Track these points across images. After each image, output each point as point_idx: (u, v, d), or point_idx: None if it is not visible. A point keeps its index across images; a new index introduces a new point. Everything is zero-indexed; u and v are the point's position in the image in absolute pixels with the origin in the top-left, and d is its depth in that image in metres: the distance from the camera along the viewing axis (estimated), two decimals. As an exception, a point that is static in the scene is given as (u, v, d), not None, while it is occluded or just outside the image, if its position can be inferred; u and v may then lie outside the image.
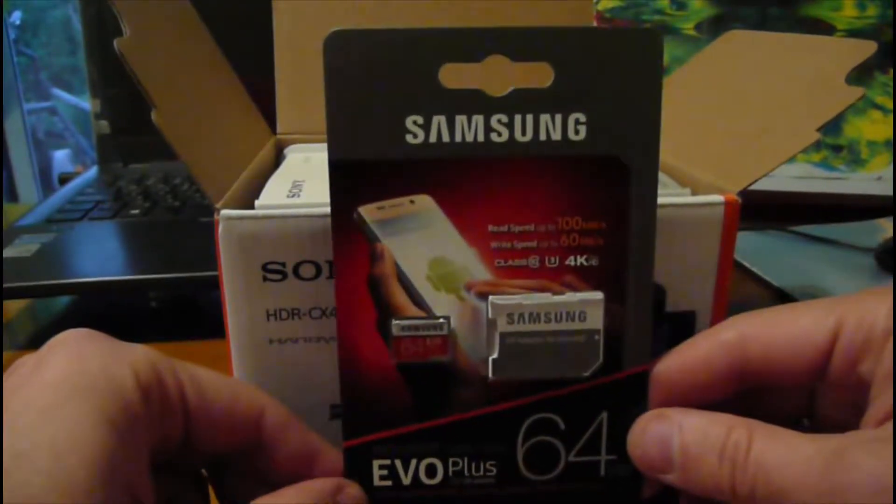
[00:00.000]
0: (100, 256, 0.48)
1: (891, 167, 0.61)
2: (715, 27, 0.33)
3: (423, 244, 0.23)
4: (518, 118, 0.22)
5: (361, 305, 0.23)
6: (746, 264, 0.52)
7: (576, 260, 0.23)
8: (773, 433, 0.20)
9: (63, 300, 0.49)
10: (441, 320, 0.23)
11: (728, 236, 0.26)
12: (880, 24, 0.61)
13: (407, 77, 0.22)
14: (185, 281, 0.43)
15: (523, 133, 0.22)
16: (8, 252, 0.47)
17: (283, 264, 0.25)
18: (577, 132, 0.22)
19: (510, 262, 0.23)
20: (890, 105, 0.61)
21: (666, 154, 0.31)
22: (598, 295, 0.23)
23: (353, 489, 0.23)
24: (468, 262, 0.23)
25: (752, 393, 0.23)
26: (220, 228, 0.24)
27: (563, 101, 0.22)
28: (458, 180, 0.23)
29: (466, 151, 0.22)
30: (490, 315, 0.23)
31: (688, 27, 0.65)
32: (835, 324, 0.21)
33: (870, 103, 0.62)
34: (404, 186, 0.22)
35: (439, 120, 0.22)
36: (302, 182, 0.29)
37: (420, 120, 0.22)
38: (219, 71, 0.34)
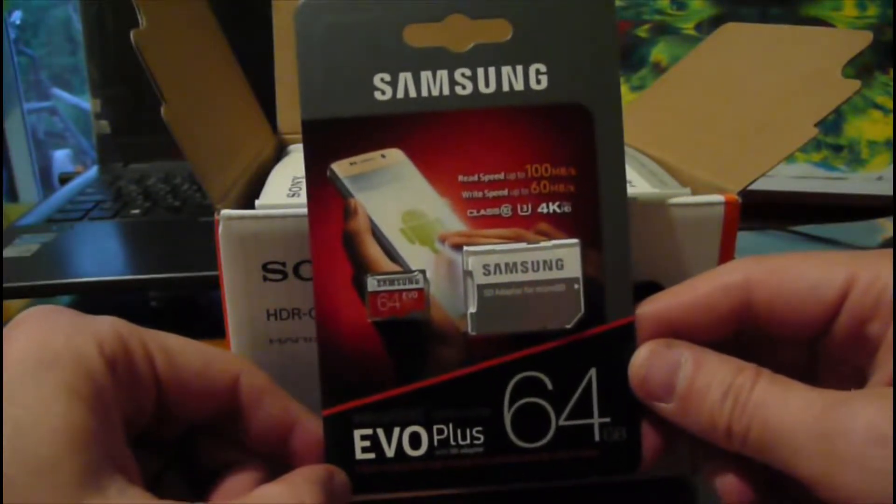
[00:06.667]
0: (100, 256, 0.48)
1: (891, 167, 0.61)
2: (715, 27, 0.33)
3: (396, 197, 0.23)
4: (481, 71, 0.23)
5: (337, 263, 0.23)
6: (746, 264, 0.51)
7: (548, 207, 0.23)
8: (778, 379, 0.20)
9: (63, 300, 0.49)
10: (417, 273, 0.23)
11: (728, 236, 0.26)
12: (880, 24, 0.61)
13: (373, 39, 0.23)
14: (185, 281, 0.43)
15: (486, 85, 0.23)
16: (8, 252, 0.47)
17: (283, 264, 0.25)
18: (538, 81, 0.23)
19: (482, 212, 0.23)
20: (890, 105, 0.61)
21: (666, 153, 0.31)
22: (574, 241, 0.23)
23: (341, 476, 0.23)
24: (441, 213, 0.23)
25: (751, 344, 0.22)
26: (220, 228, 0.24)
27: (523, 52, 0.23)
28: (426, 133, 0.23)
29: (433, 105, 0.23)
30: (466, 266, 0.23)
31: (688, 27, 0.65)
32: (846, 279, 0.20)
33: (870, 103, 0.62)
34: (375, 142, 0.23)
35: (405, 76, 0.23)
36: (302, 178, 0.29)
37: (387, 77, 0.23)
38: (228, 69, 0.34)
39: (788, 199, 0.61)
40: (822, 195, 0.62)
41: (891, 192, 0.60)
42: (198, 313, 0.49)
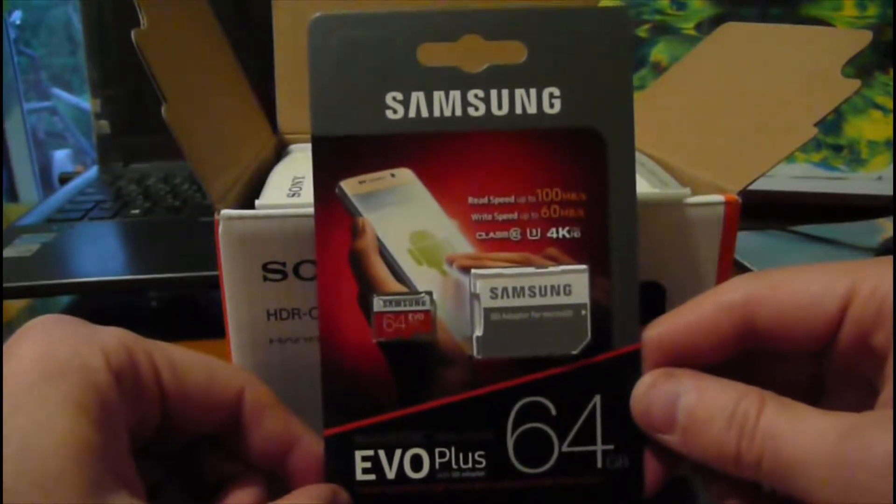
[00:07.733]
0: (100, 256, 0.48)
1: (891, 167, 0.61)
2: (715, 27, 0.34)
3: (405, 217, 0.23)
4: (494, 93, 0.23)
5: (343, 281, 0.23)
6: (746, 264, 0.52)
7: (558, 232, 0.23)
8: (786, 404, 0.20)
9: (63, 300, 0.49)
10: (423, 295, 0.23)
11: (728, 236, 0.26)
12: (880, 24, 0.61)
13: (386, 57, 0.23)
14: (185, 281, 0.43)
15: (499, 107, 0.23)
16: (8, 252, 0.47)
17: (284, 264, 0.25)
18: (551, 105, 0.23)
19: (491, 235, 0.23)
20: (890, 105, 0.61)
21: (666, 153, 0.31)
22: (582, 267, 0.23)
23: (344, 496, 0.23)
24: (450, 234, 0.23)
25: (754, 360, 0.22)
26: (220, 228, 0.24)
27: (537, 76, 0.23)
28: (437, 154, 0.23)
29: (445, 126, 0.23)
30: (473, 289, 0.23)
31: (688, 27, 0.65)
32: (846, 290, 0.20)
33: (870, 103, 0.62)
34: (385, 161, 0.23)
35: (418, 96, 0.23)
36: (302, 178, 0.29)
37: (399, 96, 0.23)
38: (228, 69, 0.34)
39: (788, 199, 0.61)
40: (822, 195, 0.62)
41: (891, 192, 0.60)
42: (198, 313, 0.49)
